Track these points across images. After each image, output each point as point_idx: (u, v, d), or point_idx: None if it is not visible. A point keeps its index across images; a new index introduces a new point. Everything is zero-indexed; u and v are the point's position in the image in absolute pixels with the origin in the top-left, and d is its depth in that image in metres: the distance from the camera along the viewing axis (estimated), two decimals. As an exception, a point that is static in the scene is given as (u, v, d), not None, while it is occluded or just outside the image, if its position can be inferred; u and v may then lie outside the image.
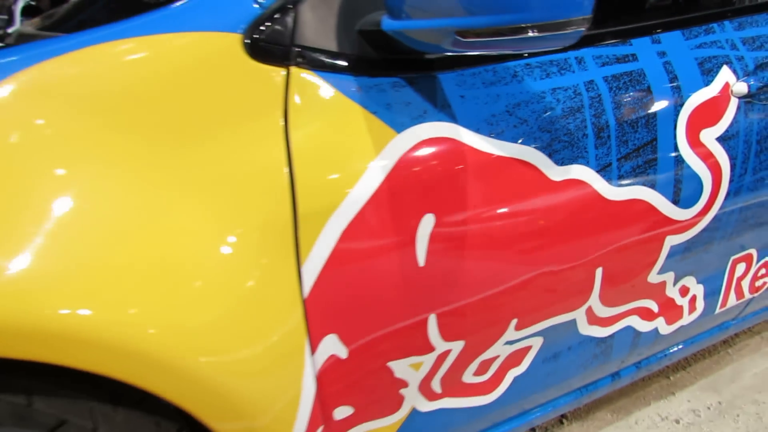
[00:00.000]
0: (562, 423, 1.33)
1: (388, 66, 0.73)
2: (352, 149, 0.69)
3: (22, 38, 0.92)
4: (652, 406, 1.38)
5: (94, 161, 0.57)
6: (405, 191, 0.72)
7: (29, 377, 0.57)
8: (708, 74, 0.95)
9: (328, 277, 0.69)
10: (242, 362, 0.62)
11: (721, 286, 1.19)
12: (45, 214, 0.53)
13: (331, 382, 0.76)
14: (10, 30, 1.07)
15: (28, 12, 1.46)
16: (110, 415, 0.61)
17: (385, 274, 0.74)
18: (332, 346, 0.73)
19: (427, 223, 0.74)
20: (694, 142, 0.95)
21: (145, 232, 0.58)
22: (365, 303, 0.74)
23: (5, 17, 1.19)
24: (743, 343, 1.61)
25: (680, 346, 1.24)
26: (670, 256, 1.02)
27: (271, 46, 0.67)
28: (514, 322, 0.89)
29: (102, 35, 0.62)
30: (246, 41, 0.66)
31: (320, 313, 0.70)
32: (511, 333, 0.90)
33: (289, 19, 0.67)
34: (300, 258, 0.67)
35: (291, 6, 0.67)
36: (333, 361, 0.74)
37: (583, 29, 0.60)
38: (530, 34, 0.60)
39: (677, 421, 1.33)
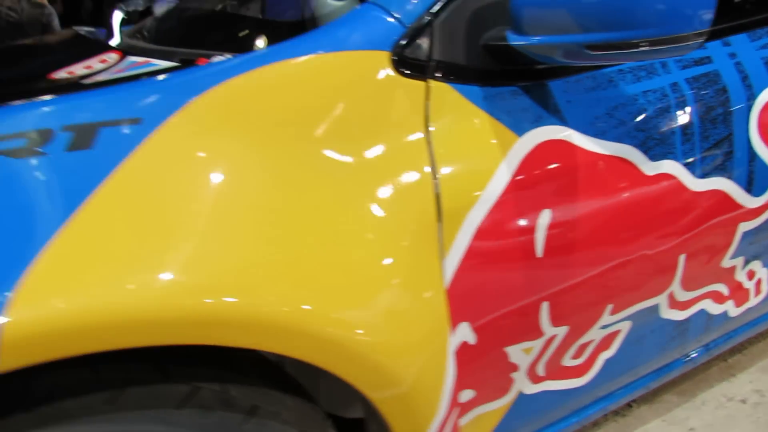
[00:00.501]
0: (630, 407, 1.40)
1: (506, 76, 0.81)
2: (482, 152, 0.77)
3: (131, 50, 0.98)
4: (715, 388, 1.45)
5: (285, 168, 0.65)
6: (526, 189, 0.80)
7: (222, 368, 0.64)
8: (777, 72, 1.04)
9: (464, 270, 0.77)
10: (404, 345, 0.70)
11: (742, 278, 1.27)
12: (256, 220, 0.61)
13: (462, 366, 0.83)
14: (112, 42, 1.15)
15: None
16: (287, 402, 0.68)
17: (510, 266, 0.81)
18: (465, 332, 0.81)
19: (544, 218, 0.82)
20: (765, 135, 1.03)
21: (324, 232, 0.65)
22: (492, 293, 0.81)
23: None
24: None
25: (745, 328, 1.32)
26: (741, 241, 1.10)
27: (413, 61, 0.75)
28: (610, 307, 0.97)
29: (273, 55, 0.70)
30: (393, 58, 0.74)
31: (457, 302, 0.77)
32: (606, 318, 0.98)
33: (426, 38, 0.76)
34: (443, 252, 0.75)
35: (428, 25, 0.76)
36: (464, 347, 0.82)
37: (699, 42, 0.68)
38: (643, 48, 0.68)
39: (743, 402, 1.40)
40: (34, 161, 0.57)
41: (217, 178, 0.62)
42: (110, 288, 0.51)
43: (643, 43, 0.69)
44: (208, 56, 0.77)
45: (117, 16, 1.20)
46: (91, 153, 0.59)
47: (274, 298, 0.59)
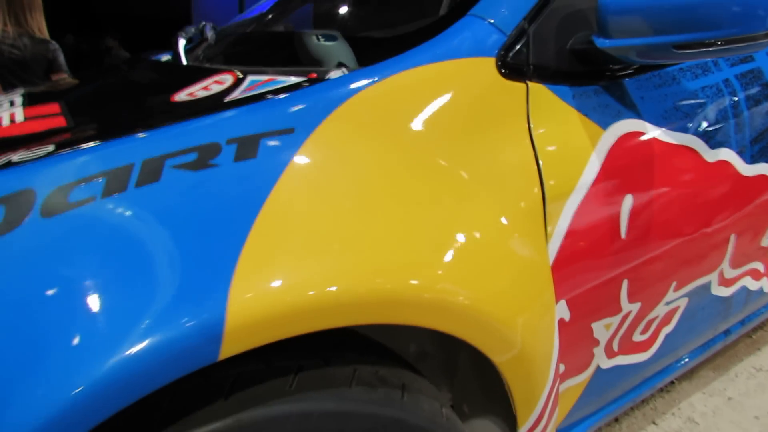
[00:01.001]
0: (673, 384, 1.50)
1: (588, 76, 0.90)
2: (576, 144, 0.86)
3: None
4: (744, 361, 1.56)
5: (422, 163, 0.72)
6: (613, 177, 0.88)
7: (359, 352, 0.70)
8: (805, 67, 1.15)
9: (564, 250, 0.85)
10: (525, 318, 0.77)
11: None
12: (409, 211, 0.68)
13: (560, 341, 0.91)
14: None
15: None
16: (421, 380, 0.75)
17: (600, 247, 0.89)
18: (562, 310, 0.89)
19: (627, 202, 0.90)
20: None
21: (461, 221, 0.72)
22: (584, 272, 0.89)
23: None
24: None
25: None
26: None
27: (513, 65, 0.83)
28: (674, 284, 1.06)
29: (396, 65, 0.77)
30: (498, 63, 0.81)
31: (558, 280, 0.85)
32: (670, 294, 1.07)
33: (524, 44, 0.84)
34: (547, 235, 0.83)
35: (524, 33, 0.84)
36: (560, 323, 0.90)
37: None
38: (718, 47, 0.78)
39: (771, 372, 1.52)
40: (209, 172, 0.63)
41: (367, 175, 0.69)
42: (312, 276, 0.58)
43: (720, 42, 0.79)
44: (319, 72, 0.83)
45: (181, 42, 1.25)
46: (258, 161, 0.65)
47: (442, 284, 0.66)
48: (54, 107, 0.97)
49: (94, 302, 0.51)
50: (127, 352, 0.48)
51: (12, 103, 1.05)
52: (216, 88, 0.86)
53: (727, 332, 1.36)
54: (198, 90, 0.87)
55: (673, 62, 0.94)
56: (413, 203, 0.70)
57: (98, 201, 0.58)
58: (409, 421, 0.66)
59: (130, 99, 1.00)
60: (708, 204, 1.02)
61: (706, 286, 1.15)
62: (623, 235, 0.91)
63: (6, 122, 0.91)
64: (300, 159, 0.66)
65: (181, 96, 0.85)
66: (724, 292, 1.21)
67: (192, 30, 1.37)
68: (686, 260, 1.05)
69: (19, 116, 0.93)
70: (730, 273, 1.19)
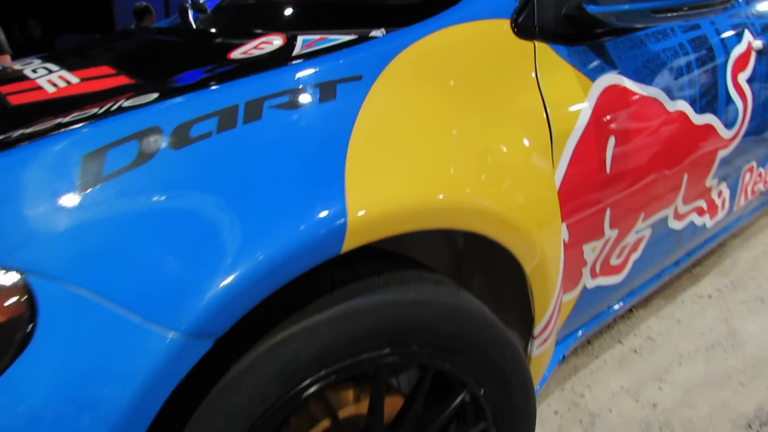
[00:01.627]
0: (631, 311, 1.75)
1: (577, 38, 1.08)
2: (573, 93, 1.04)
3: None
4: (688, 291, 1.84)
5: (464, 101, 0.88)
6: (600, 122, 1.07)
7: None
8: (739, 36, 1.39)
9: (565, 182, 1.03)
10: (545, 230, 0.95)
11: (737, 190, 1.66)
12: (462, 140, 0.83)
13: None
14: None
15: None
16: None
17: (591, 179, 1.08)
18: (564, 231, 1.07)
19: (611, 143, 1.10)
20: (735, 83, 1.38)
21: (495, 149, 0.89)
22: (580, 199, 1.08)
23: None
24: (730, 243, 2.12)
25: (712, 239, 1.70)
26: (718, 166, 1.46)
27: (524, 26, 0.99)
28: (642, 215, 1.28)
29: (434, 24, 0.92)
30: (512, 24, 0.98)
31: (562, 204, 1.04)
32: (639, 224, 1.28)
33: (531, 9, 1.00)
34: (554, 165, 1.01)
35: (531, 1, 1.00)
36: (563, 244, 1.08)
37: (724, 7, 0.98)
38: (684, 12, 0.98)
39: (710, 297, 1.80)
40: (301, 110, 0.76)
41: (426, 110, 0.84)
42: (407, 187, 0.73)
43: (685, 8, 0.99)
44: (359, 33, 0.96)
45: (189, 11, 1.35)
46: (338, 102, 0.78)
47: (493, 198, 0.82)
48: (106, 69, 1.05)
49: (249, 209, 0.64)
50: (285, 242, 0.62)
51: (48, 70, 1.12)
52: (268, 48, 0.97)
53: (677, 263, 1.61)
54: (251, 49, 0.98)
55: (645, 25, 1.13)
56: (464, 132, 0.85)
57: (215, 135, 0.70)
58: (467, 308, 0.83)
59: (183, 58, 1.10)
60: (669, 147, 1.24)
61: (664, 220, 1.38)
62: (608, 170, 1.11)
63: (62, 84, 0.99)
64: (372, 99, 0.80)
65: (237, 54, 0.96)
66: (677, 225, 1.45)
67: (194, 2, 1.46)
68: (652, 195, 1.27)
69: (74, 79, 1.01)
70: (682, 209, 1.42)
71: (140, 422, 0.58)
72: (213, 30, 1.28)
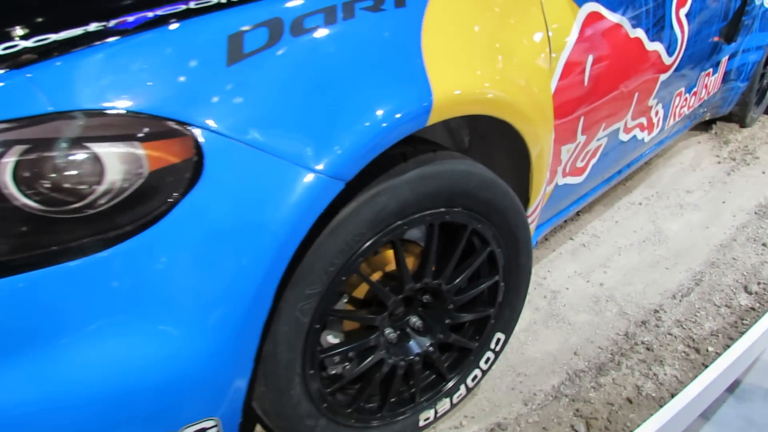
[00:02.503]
0: (578, 215, 2.07)
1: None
2: (566, 16, 1.25)
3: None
4: (623, 199, 2.19)
5: (499, 20, 1.07)
6: (583, 41, 1.30)
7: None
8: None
9: (558, 89, 1.26)
10: (546, 127, 1.18)
11: (669, 111, 1.98)
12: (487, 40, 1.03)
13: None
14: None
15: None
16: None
17: (575, 89, 1.32)
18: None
19: (590, 60, 1.34)
20: (677, 16, 1.66)
21: (518, 55, 1.09)
22: (565, 105, 1.32)
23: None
24: (655, 161, 2.50)
25: (647, 152, 2.04)
26: (659, 88, 1.75)
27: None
28: (604, 125, 1.55)
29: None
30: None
31: (555, 105, 1.27)
32: (600, 133, 1.56)
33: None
34: (551, 72, 1.23)
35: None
36: (548, 142, 1.33)
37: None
38: None
39: (640, 204, 2.16)
40: (383, 13, 0.91)
41: (472, 19, 1.02)
42: (469, 77, 0.92)
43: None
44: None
45: None
46: (408, 7, 0.94)
47: (510, 89, 1.03)
48: None
49: (367, 86, 0.82)
50: (396, 115, 0.81)
51: None
52: None
53: (620, 171, 1.92)
54: None
55: None
56: (500, 39, 1.05)
57: (321, 28, 0.85)
58: (497, 181, 1.05)
59: None
60: (628, 68, 1.50)
61: (617, 131, 1.67)
62: (586, 83, 1.35)
63: None
64: (431, 6, 0.97)
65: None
66: (625, 137, 1.74)
67: None
68: (613, 109, 1.54)
69: None
70: (630, 123, 1.72)
71: (293, 243, 0.77)
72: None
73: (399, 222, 0.92)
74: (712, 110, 2.56)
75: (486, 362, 1.23)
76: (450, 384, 1.19)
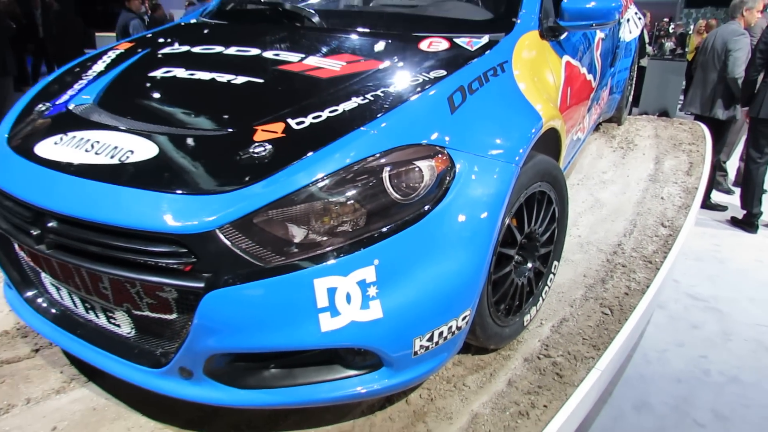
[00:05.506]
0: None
1: (554, 36, 2.11)
2: (558, 65, 2.08)
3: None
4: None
5: (536, 67, 1.86)
6: (566, 79, 2.14)
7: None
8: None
9: (560, 106, 2.07)
10: (562, 122, 1.98)
11: (589, 119, 2.91)
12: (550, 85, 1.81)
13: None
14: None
15: None
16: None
17: (563, 106, 2.14)
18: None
19: (569, 91, 2.18)
20: (597, 56, 2.59)
21: (545, 91, 1.88)
22: (562, 110, 2.13)
23: None
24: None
25: (578, 147, 2.96)
26: (590, 103, 2.66)
27: (542, 33, 1.99)
28: (573, 129, 2.40)
29: (518, 34, 1.87)
30: (539, 33, 1.97)
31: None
32: (571, 134, 2.41)
33: (542, 25, 2.00)
34: (557, 94, 2.04)
35: (543, 21, 2.00)
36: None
37: (618, 21, 2.13)
38: (601, 24, 2.11)
39: (578, 184, 3.07)
40: (495, 78, 1.63)
41: (532, 74, 1.78)
42: (549, 107, 1.68)
43: (600, 23, 2.09)
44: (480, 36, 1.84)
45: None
46: (503, 75, 1.66)
47: (554, 108, 1.81)
48: (351, 57, 1.72)
49: (520, 117, 1.55)
50: (533, 131, 1.54)
51: (290, 58, 1.73)
52: (443, 45, 1.78)
53: (570, 161, 2.81)
54: (427, 47, 1.77)
55: (584, 30, 2.22)
56: (542, 83, 1.83)
57: (481, 88, 1.55)
58: (556, 164, 1.81)
59: (393, 46, 1.82)
60: (581, 92, 2.38)
61: (575, 132, 2.53)
62: (568, 103, 2.19)
63: (335, 67, 1.65)
64: (514, 69, 1.71)
65: (424, 46, 1.77)
66: (574, 136, 2.62)
67: None
68: (575, 116, 2.40)
69: (335, 65, 1.67)
70: (577, 127, 2.60)
71: (504, 206, 1.44)
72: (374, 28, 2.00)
73: (531, 185, 1.63)
74: (604, 115, 3.60)
75: (550, 281, 1.97)
76: (535, 296, 1.91)
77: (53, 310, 1.57)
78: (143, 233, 1.20)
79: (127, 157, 1.32)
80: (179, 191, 1.22)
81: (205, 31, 2.20)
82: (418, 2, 2.34)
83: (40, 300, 1.60)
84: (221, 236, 1.17)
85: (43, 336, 1.63)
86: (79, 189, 1.28)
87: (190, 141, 1.38)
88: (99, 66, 1.92)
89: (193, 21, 2.42)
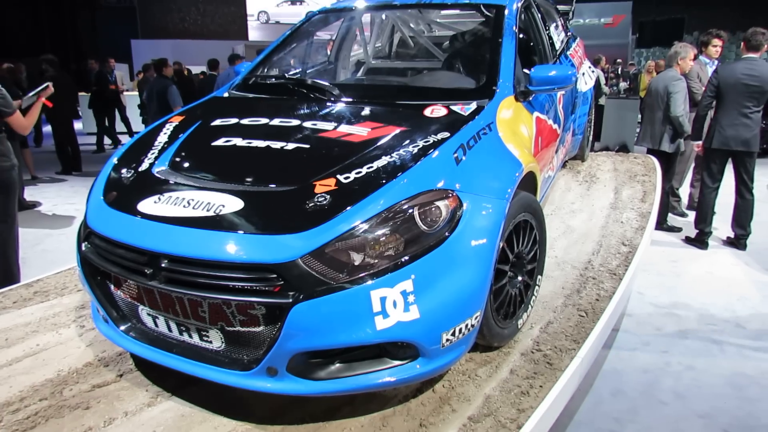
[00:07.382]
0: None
1: (525, 98, 2.66)
2: (529, 120, 2.63)
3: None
4: (542, 212, 3.63)
5: (516, 126, 2.40)
6: (537, 131, 2.69)
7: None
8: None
9: (534, 144, 2.60)
10: (536, 165, 2.51)
11: (557, 159, 3.46)
12: (524, 138, 2.34)
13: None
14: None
15: None
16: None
17: (536, 152, 2.68)
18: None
19: (540, 140, 2.72)
20: (560, 107, 3.16)
21: (522, 143, 2.42)
22: (536, 153, 2.66)
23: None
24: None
25: (549, 183, 3.50)
26: (556, 146, 3.22)
27: (516, 97, 2.53)
28: (545, 169, 2.93)
29: (499, 100, 2.41)
30: (515, 97, 2.52)
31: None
32: (543, 173, 2.94)
33: (516, 89, 2.55)
34: (531, 136, 2.57)
35: (516, 86, 2.55)
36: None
37: (575, 81, 2.70)
38: (563, 87, 2.68)
39: (550, 214, 3.60)
40: (485, 137, 2.15)
41: (513, 130, 2.30)
42: (527, 154, 2.21)
43: (562, 87, 2.65)
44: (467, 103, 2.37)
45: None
46: (491, 134, 2.16)
47: (530, 158, 2.34)
48: (374, 123, 2.23)
49: (505, 165, 2.07)
50: (517, 174, 2.06)
51: (326, 127, 2.24)
52: (442, 111, 2.30)
53: (543, 196, 3.33)
54: (430, 113, 2.29)
55: (548, 92, 2.77)
56: (521, 136, 2.36)
57: (476, 144, 2.06)
58: (536, 199, 2.33)
59: (402, 113, 2.33)
60: (549, 138, 2.93)
61: (546, 171, 3.06)
62: (540, 149, 2.73)
63: (363, 133, 2.16)
64: (498, 129, 2.24)
65: (428, 113, 2.28)
66: (546, 174, 3.15)
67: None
68: (546, 158, 2.94)
69: (362, 131, 2.17)
70: (548, 166, 3.13)
71: (500, 233, 1.93)
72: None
73: (517, 215, 2.12)
74: (569, 154, 4.19)
75: (537, 291, 2.45)
76: (525, 303, 2.38)
77: (149, 336, 1.97)
78: (241, 264, 1.64)
79: (221, 210, 1.77)
80: (268, 233, 1.67)
81: (246, 105, 2.68)
82: (412, 72, 2.89)
83: (136, 329, 1.99)
84: (302, 263, 1.62)
85: (141, 357, 2.00)
86: (190, 235, 1.72)
87: (267, 195, 1.84)
88: (162, 137, 2.38)
89: (225, 95, 2.91)
